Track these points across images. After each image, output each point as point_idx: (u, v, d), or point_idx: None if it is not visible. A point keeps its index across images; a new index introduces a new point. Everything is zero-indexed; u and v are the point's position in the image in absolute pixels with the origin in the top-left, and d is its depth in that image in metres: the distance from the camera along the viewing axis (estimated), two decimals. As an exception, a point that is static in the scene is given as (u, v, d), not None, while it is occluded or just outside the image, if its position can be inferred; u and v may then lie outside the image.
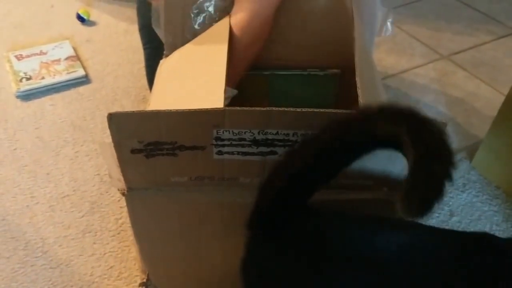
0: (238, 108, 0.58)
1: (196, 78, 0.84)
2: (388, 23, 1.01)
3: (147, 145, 0.62)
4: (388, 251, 0.55)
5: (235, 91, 0.90)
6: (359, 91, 0.69)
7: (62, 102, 1.36)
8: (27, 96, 1.38)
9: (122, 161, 0.64)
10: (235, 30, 0.90)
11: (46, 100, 1.37)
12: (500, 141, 1.12)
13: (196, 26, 0.93)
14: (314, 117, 0.59)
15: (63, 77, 1.42)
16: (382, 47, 1.60)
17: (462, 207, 1.11)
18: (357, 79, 0.70)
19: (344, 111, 0.59)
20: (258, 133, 0.60)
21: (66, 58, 1.49)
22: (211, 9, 0.93)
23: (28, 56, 1.49)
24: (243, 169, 0.65)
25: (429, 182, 0.50)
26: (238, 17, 0.90)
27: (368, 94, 0.73)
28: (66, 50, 1.53)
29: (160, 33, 0.96)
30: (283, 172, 0.57)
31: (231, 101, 0.87)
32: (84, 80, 1.44)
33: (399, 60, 1.57)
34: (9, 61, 1.47)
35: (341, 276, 0.54)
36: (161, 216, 0.73)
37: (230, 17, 0.92)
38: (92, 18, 1.70)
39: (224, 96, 0.71)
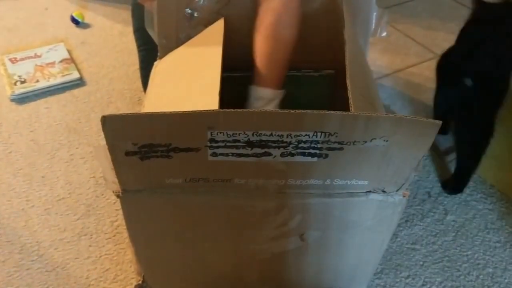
0: (232, 109, 0.58)
1: (190, 80, 0.84)
2: (383, 24, 1.02)
3: (142, 147, 0.62)
4: None
5: (283, 92, 0.92)
6: (349, 94, 0.69)
7: (57, 105, 1.36)
8: (21, 99, 1.37)
9: (117, 164, 0.64)
10: (273, 14, 0.89)
11: (40, 103, 1.37)
12: (494, 140, 1.12)
13: (189, 28, 0.93)
14: (308, 118, 0.59)
15: (58, 80, 1.42)
16: (377, 46, 1.60)
17: (457, 206, 1.11)
18: (348, 81, 0.71)
19: (338, 112, 0.59)
20: (252, 134, 0.60)
21: (61, 61, 1.49)
22: (205, 8, 0.93)
23: (22, 59, 1.49)
24: (238, 170, 0.65)
25: None
26: (275, 2, 0.88)
27: (360, 96, 0.73)
28: (61, 52, 1.52)
29: (154, 35, 0.96)
30: None
31: (225, 104, 0.87)
32: (79, 82, 1.44)
33: (393, 60, 1.57)
34: (3, 64, 1.46)
35: None
36: (156, 217, 0.73)
37: (262, 4, 0.90)
38: (86, 21, 1.70)
39: (218, 97, 0.71)
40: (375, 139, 0.61)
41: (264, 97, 0.90)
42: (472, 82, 1.00)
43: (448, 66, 1.09)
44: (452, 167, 1.20)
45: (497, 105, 1.02)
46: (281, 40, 0.90)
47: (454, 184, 1.14)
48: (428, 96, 1.40)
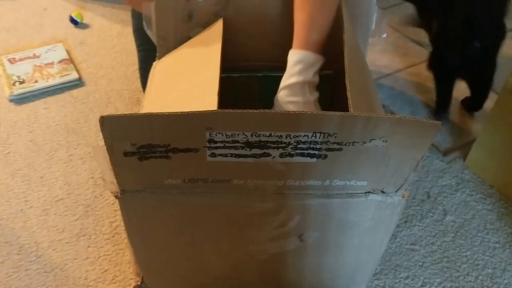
0: (231, 110, 0.58)
1: (189, 80, 0.84)
2: (383, 26, 1.02)
3: (140, 147, 0.62)
4: None
5: (323, 59, 0.88)
6: (348, 94, 0.69)
7: (56, 105, 1.36)
8: (20, 99, 1.37)
9: (115, 164, 0.64)
10: None
11: (39, 104, 1.36)
12: (493, 140, 1.12)
13: (188, 30, 0.93)
14: (307, 119, 0.59)
15: (57, 80, 1.42)
16: (376, 47, 1.60)
17: (456, 206, 1.11)
18: (347, 82, 0.71)
19: (338, 112, 0.59)
20: (251, 135, 0.60)
21: (60, 61, 1.49)
22: (203, 9, 0.92)
23: (21, 60, 1.49)
24: (237, 171, 0.65)
25: None
26: None
27: (359, 97, 0.73)
28: (60, 53, 1.52)
29: (152, 36, 0.96)
30: None
31: (224, 104, 0.87)
32: (78, 83, 1.44)
33: (393, 60, 1.57)
34: (2, 64, 1.46)
35: None
36: (155, 218, 0.73)
37: None
38: (85, 21, 1.70)
39: (217, 98, 0.71)
40: (374, 139, 0.61)
41: (304, 60, 0.85)
42: (479, 43, 1.19)
43: (453, 40, 1.25)
44: (452, 167, 1.20)
45: (500, 45, 1.23)
46: (323, 2, 0.87)
47: (477, 102, 1.35)
48: (428, 96, 1.41)
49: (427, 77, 1.49)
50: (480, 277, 0.98)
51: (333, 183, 0.67)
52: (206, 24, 0.93)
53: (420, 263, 1.00)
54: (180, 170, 0.65)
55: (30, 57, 1.50)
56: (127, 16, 1.36)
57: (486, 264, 1.00)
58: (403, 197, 0.70)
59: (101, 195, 1.11)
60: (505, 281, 0.98)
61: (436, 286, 0.96)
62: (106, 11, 1.76)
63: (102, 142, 0.61)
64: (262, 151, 0.62)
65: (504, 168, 1.12)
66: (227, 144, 0.61)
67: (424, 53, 1.59)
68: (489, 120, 1.12)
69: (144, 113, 0.59)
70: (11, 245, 1.01)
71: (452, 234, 1.06)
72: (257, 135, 0.60)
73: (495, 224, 1.08)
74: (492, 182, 1.16)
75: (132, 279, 0.95)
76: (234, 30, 0.93)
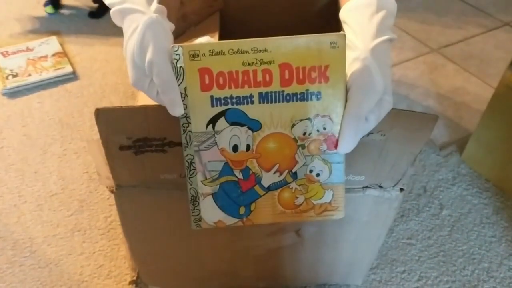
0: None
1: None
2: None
3: (136, 141, 0.61)
4: None
5: None
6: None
7: (50, 99, 1.35)
8: (13, 93, 1.36)
9: (111, 158, 0.63)
10: None
11: (33, 98, 1.35)
12: (489, 134, 1.12)
13: (183, 29, 0.92)
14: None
15: (50, 74, 1.41)
16: (372, 41, 1.60)
17: (453, 201, 1.11)
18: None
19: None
20: (248, 128, 0.60)
21: (53, 55, 1.47)
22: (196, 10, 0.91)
23: (14, 53, 1.47)
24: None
25: None
26: None
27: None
28: (53, 46, 1.51)
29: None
30: None
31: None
32: (72, 76, 1.42)
33: (389, 54, 1.57)
34: (-6, 58, 1.45)
35: None
36: (150, 213, 0.72)
37: None
38: (79, 14, 1.68)
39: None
40: (372, 133, 0.61)
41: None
42: None
43: None
44: (448, 162, 1.20)
45: None
46: None
47: None
48: (423, 90, 1.40)
49: (423, 72, 1.49)
50: (477, 271, 0.98)
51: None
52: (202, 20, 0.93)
53: (417, 258, 1.00)
54: (177, 164, 0.64)
55: (23, 50, 1.48)
56: (121, 9, 1.35)
57: (482, 258, 1.01)
58: (400, 191, 0.70)
59: (96, 190, 1.10)
60: (501, 275, 0.98)
61: (433, 280, 0.96)
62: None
63: (96, 137, 0.61)
64: (259, 145, 0.62)
65: (500, 163, 1.12)
66: (223, 138, 0.61)
67: (420, 46, 1.59)
68: (485, 115, 1.12)
69: (140, 106, 0.58)
70: (5, 240, 1.00)
71: (449, 228, 1.06)
72: (253, 129, 0.60)
73: (491, 218, 1.08)
74: (488, 177, 1.16)
75: (127, 274, 0.94)
76: (231, 21, 0.93)
